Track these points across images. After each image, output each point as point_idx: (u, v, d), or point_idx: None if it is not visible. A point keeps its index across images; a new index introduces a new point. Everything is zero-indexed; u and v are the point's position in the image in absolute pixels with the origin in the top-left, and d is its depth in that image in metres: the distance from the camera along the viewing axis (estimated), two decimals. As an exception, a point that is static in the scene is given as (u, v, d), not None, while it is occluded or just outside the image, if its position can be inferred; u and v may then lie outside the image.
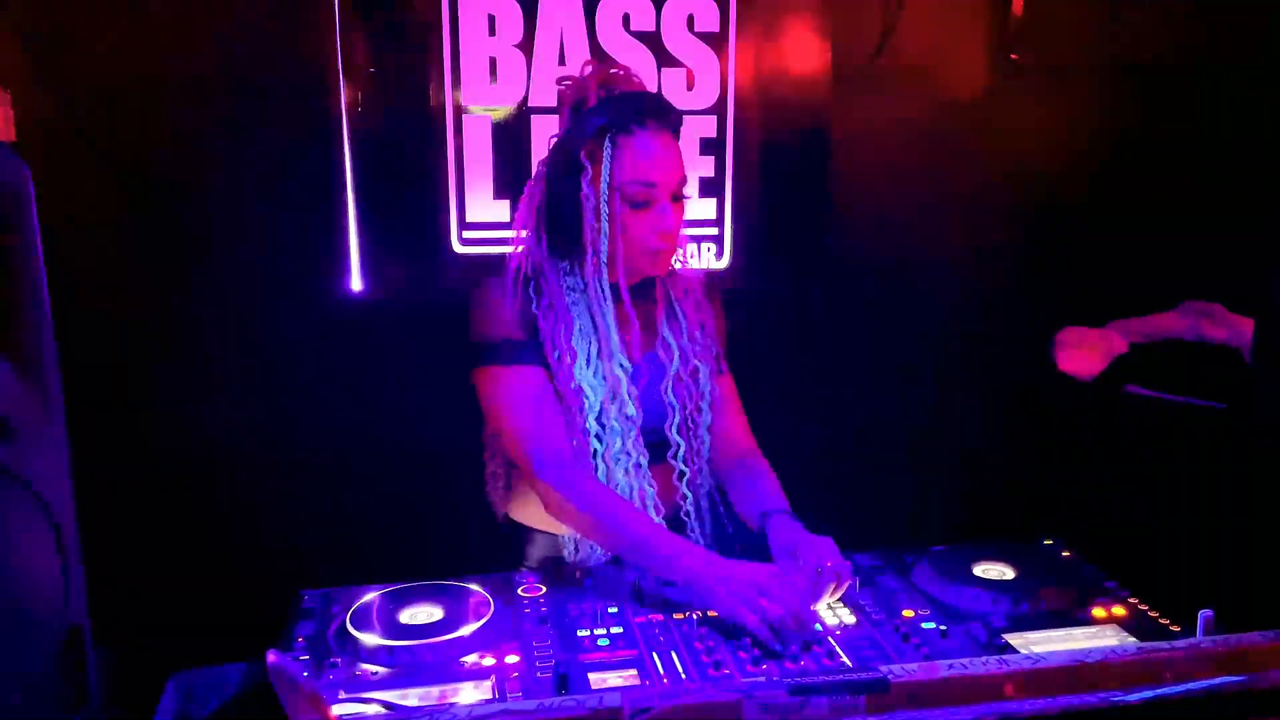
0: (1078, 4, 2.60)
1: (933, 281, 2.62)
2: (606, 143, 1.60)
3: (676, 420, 1.74)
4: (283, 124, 2.32)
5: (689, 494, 1.76)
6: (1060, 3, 2.60)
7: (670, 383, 1.74)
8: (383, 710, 1.23)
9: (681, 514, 1.78)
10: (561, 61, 2.42)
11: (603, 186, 1.60)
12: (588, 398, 1.65)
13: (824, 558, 1.52)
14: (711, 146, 2.54)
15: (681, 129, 1.71)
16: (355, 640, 1.40)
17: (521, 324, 1.67)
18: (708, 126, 2.52)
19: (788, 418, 2.18)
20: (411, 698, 1.28)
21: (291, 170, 2.33)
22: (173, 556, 2.26)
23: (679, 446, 1.74)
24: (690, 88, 2.50)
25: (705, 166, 2.54)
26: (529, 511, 1.81)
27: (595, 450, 1.67)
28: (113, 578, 1.52)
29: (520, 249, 1.71)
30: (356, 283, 2.42)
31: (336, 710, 1.19)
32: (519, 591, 1.58)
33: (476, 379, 1.69)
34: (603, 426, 1.67)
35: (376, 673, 1.35)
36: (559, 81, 1.71)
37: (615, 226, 1.63)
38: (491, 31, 2.40)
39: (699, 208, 2.56)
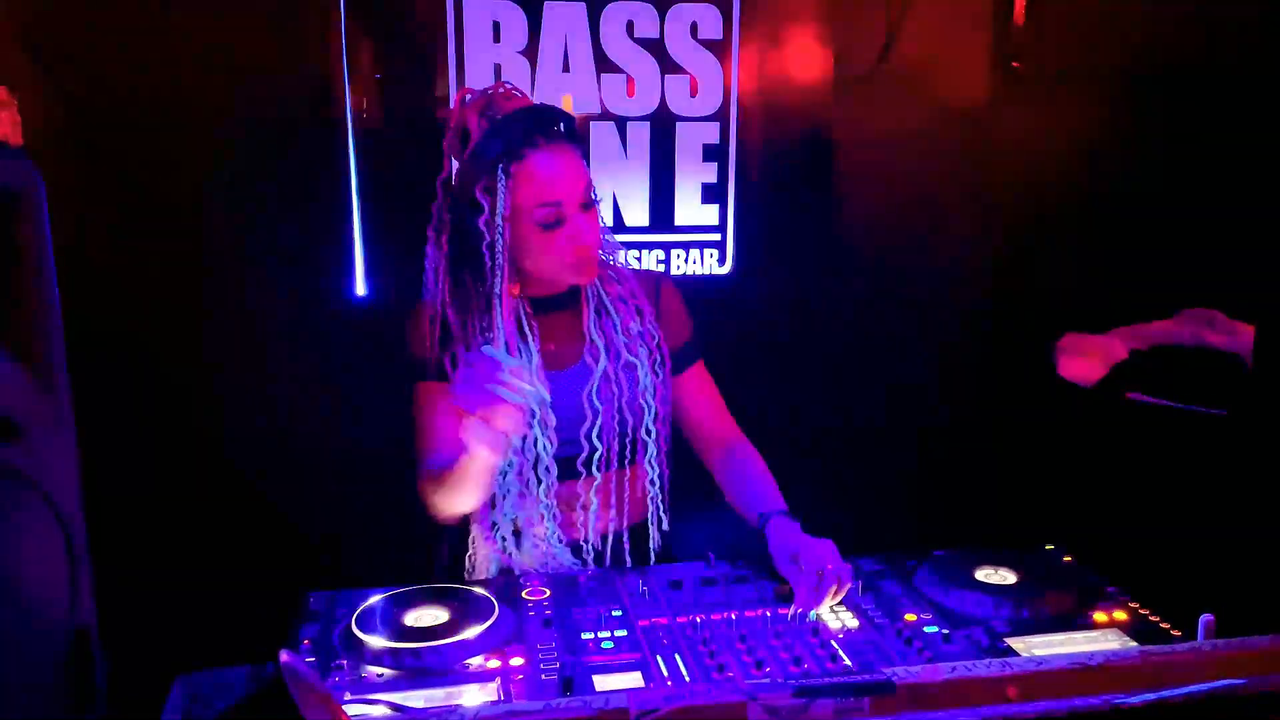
0: (1079, 12, 2.62)
1: (935, 288, 2.64)
2: (500, 174, 1.56)
3: (598, 425, 1.72)
4: (288, 129, 2.34)
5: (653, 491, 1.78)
6: (1061, 11, 2.62)
7: (595, 386, 1.72)
8: (389, 711, 1.23)
9: (644, 524, 1.80)
10: (566, 69, 2.44)
11: (501, 220, 1.58)
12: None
13: (824, 561, 1.53)
14: (714, 153, 2.55)
15: (576, 128, 1.67)
16: (361, 642, 1.41)
17: (440, 345, 1.70)
18: (710, 133, 2.54)
19: (790, 422, 2.20)
20: (417, 700, 1.29)
21: (297, 175, 2.34)
22: (180, 558, 2.27)
23: (594, 451, 1.73)
24: (693, 94, 2.51)
25: (708, 173, 2.56)
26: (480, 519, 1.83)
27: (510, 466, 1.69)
28: (120, 580, 1.53)
29: (433, 288, 1.71)
30: (361, 287, 2.43)
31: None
32: (523, 594, 1.58)
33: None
34: (528, 440, 1.68)
35: (382, 675, 1.35)
36: (438, 116, 1.69)
37: (528, 251, 1.62)
38: (496, 38, 2.41)
39: (702, 214, 2.57)
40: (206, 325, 2.32)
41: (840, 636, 1.46)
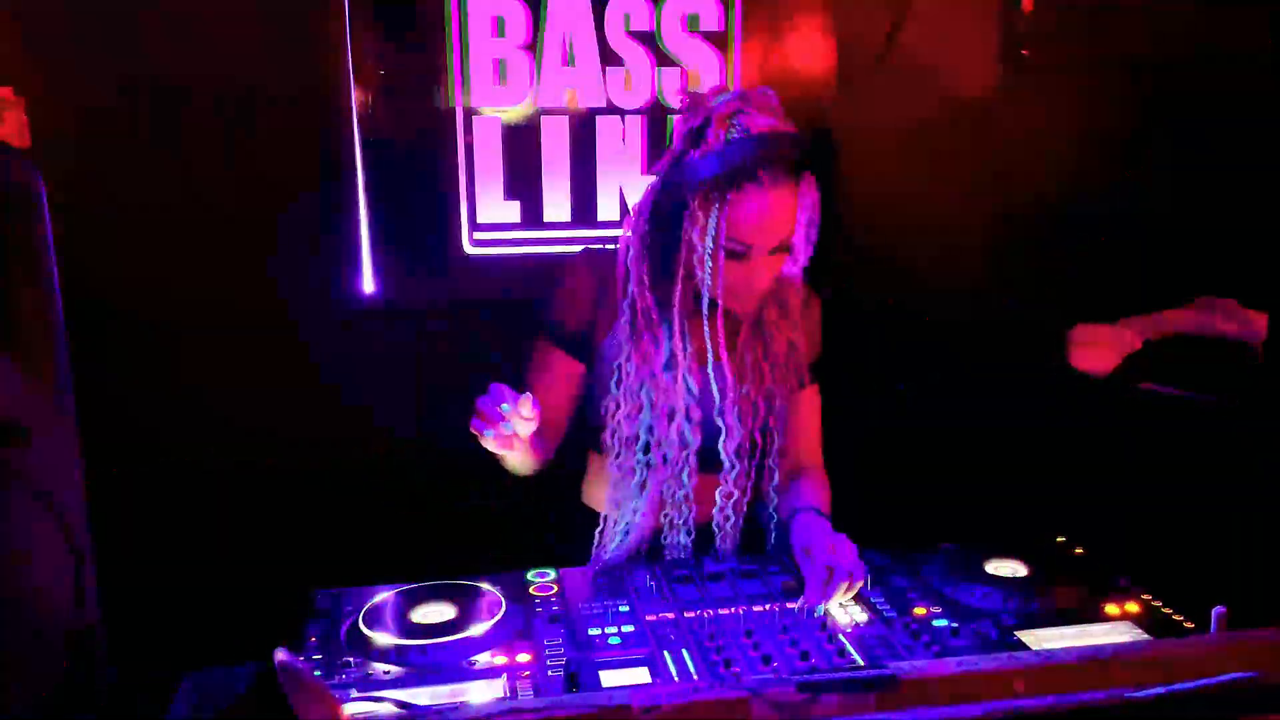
0: (1088, 1, 2.59)
1: (942, 280, 2.61)
2: (716, 196, 1.52)
3: (736, 443, 1.73)
4: (294, 127, 2.34)
5: (731, 512, 1.77)
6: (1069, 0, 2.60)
7: (736, 401, 1.73)
8: (395, 709, 1.23)
9: (714, 524, 1.78)
10: (570, 63, 2.43)
11: (709, 240, 1.55)
12: (643, 409, 1.70)
13: (837, 557, 1.52)
14: (720, 146, 2.53)
15: (805, 160, 1.59)
16: (367, 640, 1.41)
17: (588, 319, 1.75)
18: (715, 126, 2.52)
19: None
20: (423, 697, 1.29)
21: (302, 173, 2.34)
22: (186, 557, 2.28)
23: (734, 466, 1.74)
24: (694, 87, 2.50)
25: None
26: (591, 494, 1.88)
27: (639, 460, 1.72)
28: (126, 579, 1.53)
29: (625, 260, 1.68)
30: (368, 284, 2.43)
31: (349, 709, 1.19)
32: (530, 590, 1.58)
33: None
34: (654, 436, 1.70)
35: (389, 672, 1.35)
36: (683, 92, 1.65)
37: (706, 266, 1.58)
38: (499, 32, 2.40)
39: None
40: (212, 323, 2.32)
41: (848, 631, 1.45)
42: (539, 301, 1.80)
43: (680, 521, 1.75)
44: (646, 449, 1.71)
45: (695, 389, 1.70)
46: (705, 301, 1.64)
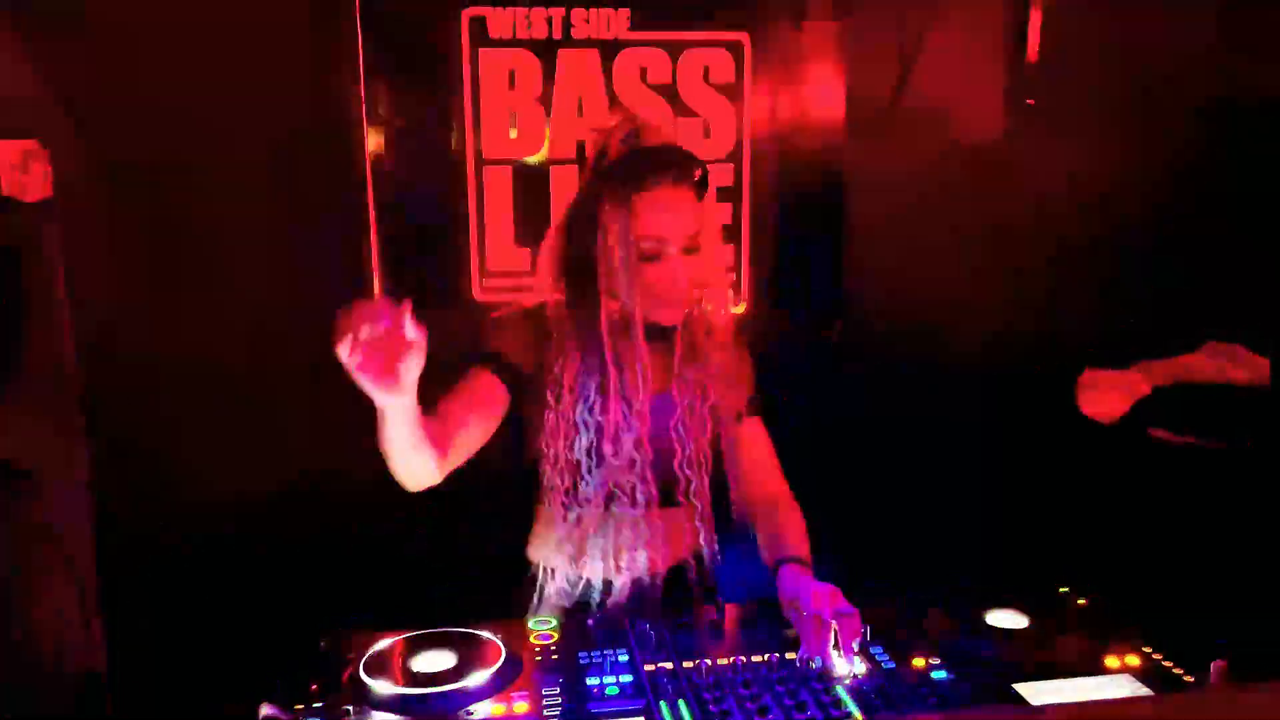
0: (1092, 48, 2.62)
1: (950, 325, 2.62)
2: (623, 199, 1.65)
3: (687, 454, 1.76)
4: (308, 174, 2.39)
5: (703, 531, 1.78)
6: (1075, 47, 2.62)
7: (682, 418, 1.77)
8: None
9: (691, 555, 1.80)
10: (580, 113, 2.47)
11: (622, 241, 1.65)
12: (580, 434, 1.72)
13: (824, 607, 1.52)
14: (728, 194, 2.57)
15: (708, 179, 1.73)
16: (368, 687, 1.42)
17: (520, 351, 1.76)
18: (724, 175, 2.56)
19: (802, 462, 2.18)
20: (420, 746, 1.30)
21: (316, 218, 2.39)
22: (192, 600, 2.29)
23: (689, 482, 1.76)
24: (706, 137, 2.54)
25: (722, 214, 2.58)
26: (536, 548, 1.87)
27: (574, 485, 1.73)
28: (133, 621, 1.55)
29: (538, 292, 1.78)
30: (379, 330, 2.46)
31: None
32: (531, 638, 1.59)
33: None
34: (596, 462, 1.73)
35: (388, 720, 1.36)
36: (591, 129, 1.76)
37: (628, 277, 1.67)
38: (511, 85, 2.46)
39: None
40: (223, 368, 2.35)
41: (846, 682, 1.45)
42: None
43: (637, 555, 1.76)
44: (590, 472, 1.73)
45: (635, 406, 1.73)
46: (633, 321, 1.69)
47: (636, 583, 1.79)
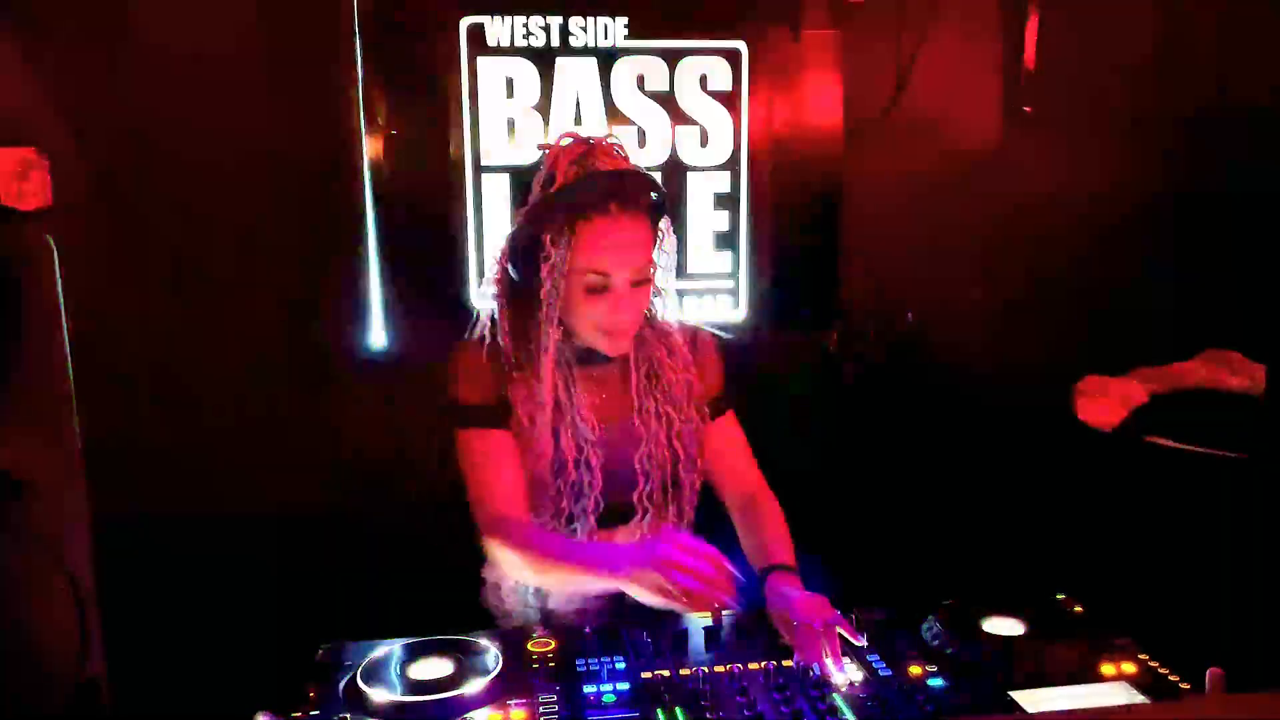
0: (1090, 57, 2.63)
1: (947, 333, 2.63)
2: (566, 228, 1.56)
3: (647, 489, 1.73)
4: (305, 181, 2.40)
5: None
6: (1073, 55, 2.63)
7: (647, 449, 1.73)
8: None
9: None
10: (578, 121, 2.48)
11: (559, 273, 1.58)
12: (554, 460, 1.68)
13: (813, 616, 1.51)
14: (726, 201, 2.58)
15: (665, 204, 1.65)
16: (365, 695, 1.42)
17: (493, 389, 1.69)
18: (722, 182, 2.57)
19: (799, 469, 2.19)
20: (417, 754, 1.30)
21: (314, 228, 2.40)
22: (190, 609, 2.29)
23: (646, 512, 1.74)
24: (704, 144, 2.55)
25: (720, 221, 2.58)
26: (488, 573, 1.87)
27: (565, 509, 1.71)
28: (131, 630, 1.55)
29: (489, 318, 1.71)
30: (379, 338, 2.47)
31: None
32: (529, 646, 1.59)
33: (457, 441, 1.71)
34: (571, 488, 1.69)
35: (384, 728, 1.36)
36: (538, 148, 1.69)
37: (571, 308, 1.62)
38: (509, 93, 2.46)
39: (715, 261, 2.60)
40: (222, 378, 2.36)
41: (843, 690, 1.45)
42: (442, 394, 1.73)
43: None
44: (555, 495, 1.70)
45: (592, 436, 1.68)
46: (572, 359, 1.67)
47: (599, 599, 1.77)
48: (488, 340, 1.69)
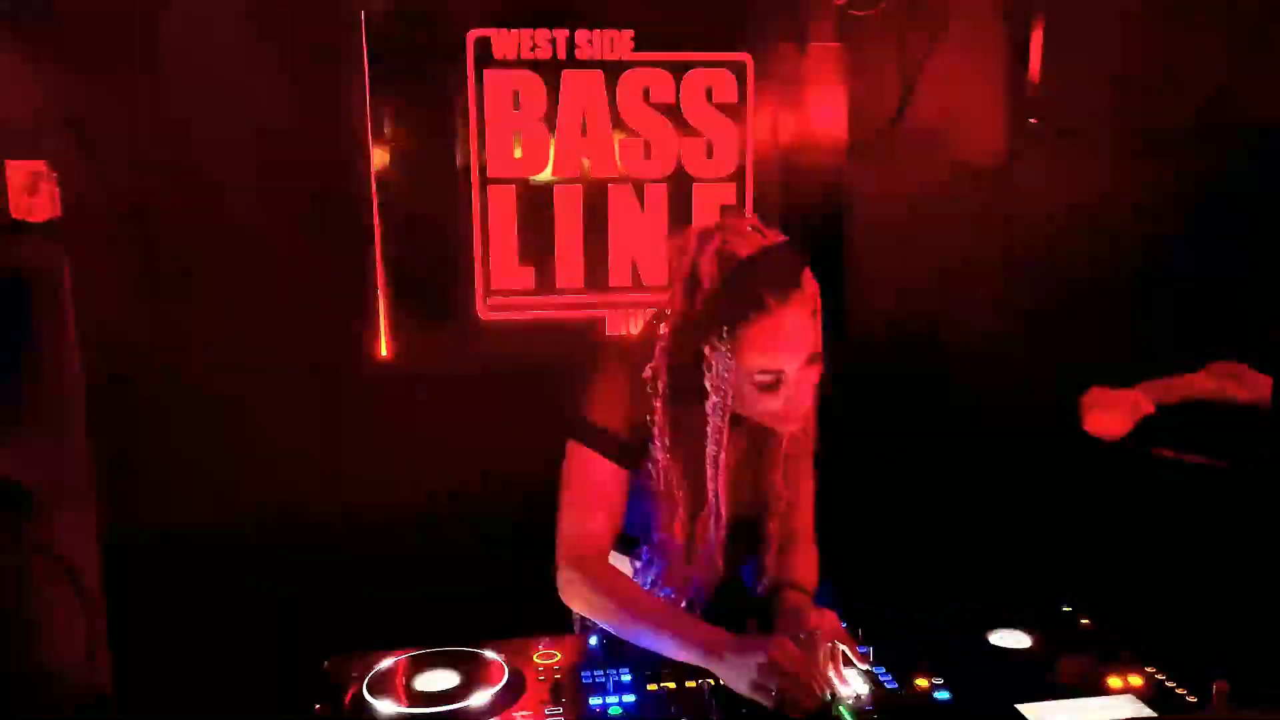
0: (1095, 68, 2.63)
1: (952, 345, 2.63)
2: (726, 336, 1.42)
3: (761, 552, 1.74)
4: (314, 194, 2.40)
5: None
6: (1078, 67, 2.63)
7: (764, 520, 1.73)
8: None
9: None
10: (583, 133, 2.49)
11: (725, 382, 1.46)
12: (682, 503, 1.62)
13: (823, 632, 1.51)
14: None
15: (809, 269, 1.48)
16: (371, 707, 1.42)
17: (627, 423, 1.58)
18: (727, 195, 2.57)
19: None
20: (423, 766, 1.30)
21: (321, 239, 2.40)
22: (198, 621, 2.29)
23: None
24: (710, 156, 2.56)
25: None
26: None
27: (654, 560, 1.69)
28: (139, 644, 1.56)
29: (649, 370, 1.55)
30: (385, 349, 2.47)
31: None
32: (534, 658, 1.59)
33: (567, 447, 1.62)
34: (674, 539, 1.65)
35: (391, 740, 1.36)
36: (669, 241, 1.63)
37: (741, 401, 1.51)
38: (516, 105, 2.48)
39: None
40: (229, 389, 2.37)
41: (849, 702, 1.45)
42: (572, 400, 1.63)
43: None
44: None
45: (722, 495, 1.61)
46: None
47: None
48: (647, 380, 1.55)
